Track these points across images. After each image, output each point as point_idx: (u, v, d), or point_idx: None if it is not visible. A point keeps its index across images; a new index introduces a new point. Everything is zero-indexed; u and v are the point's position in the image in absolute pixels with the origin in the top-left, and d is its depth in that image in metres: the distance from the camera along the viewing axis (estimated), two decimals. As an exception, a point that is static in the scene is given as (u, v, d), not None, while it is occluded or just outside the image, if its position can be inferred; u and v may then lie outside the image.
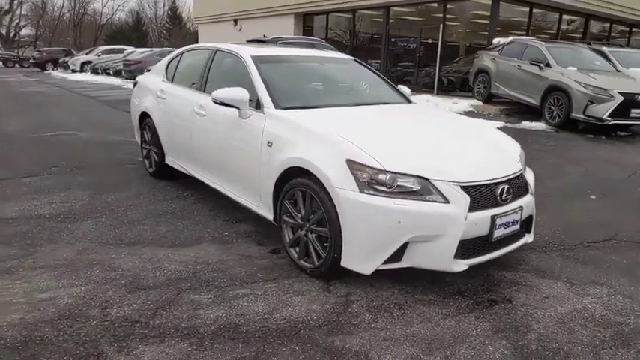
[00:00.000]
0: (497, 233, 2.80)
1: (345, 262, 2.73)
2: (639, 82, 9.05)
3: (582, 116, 8.53)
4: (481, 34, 14.60)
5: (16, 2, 50.76)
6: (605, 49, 11.05)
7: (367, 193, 2.62)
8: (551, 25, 16.31)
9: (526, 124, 9.32)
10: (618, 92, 8.28)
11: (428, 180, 2.64)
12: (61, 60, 28.83)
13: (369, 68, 4.52)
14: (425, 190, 2.63)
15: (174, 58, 4.87)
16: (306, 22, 19.48)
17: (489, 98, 11.25)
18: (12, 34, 52.98)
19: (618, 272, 3.24)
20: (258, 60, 3.72)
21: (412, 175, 2.63)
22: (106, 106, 11.57)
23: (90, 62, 24.76)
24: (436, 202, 2.62)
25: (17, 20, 53.14)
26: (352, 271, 2.78)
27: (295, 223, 3.06)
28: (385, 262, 2.66)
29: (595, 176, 5.85)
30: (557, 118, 8.98)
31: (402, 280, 2.94)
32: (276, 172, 3.11)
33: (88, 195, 4.49)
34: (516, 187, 2.96)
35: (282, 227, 3.17)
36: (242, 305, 2.63)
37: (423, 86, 14.44)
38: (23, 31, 54.98)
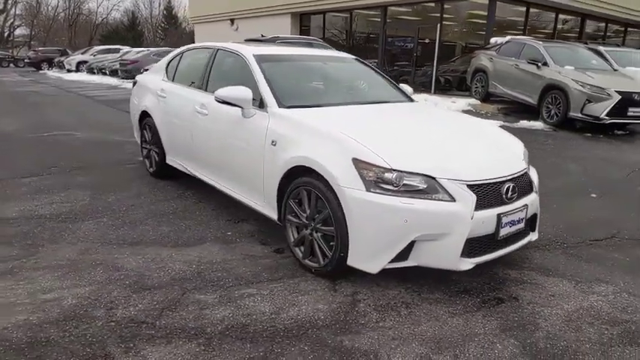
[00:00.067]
0: (503, 231, 2.80)
1: (352, 261, 2.72)
2: (636, 81, 9.10)
3: (580, 115, 8.56)
4: (478, 34, 14.62)
5: (10, 2, 50.46)
6: (601, 48, 11.10)
7: (374, 192, 2.61)
8: (547, 24, 16.36)
9: (524, 123, 9.34)
10: (616, 91, 8.31)
11: (434, 178, 2.63)
12: (56, 60, 28.67)
13: (370, 67, 4.51)
14: (431, 188, 2.62)
15: (174, 58, 4.84)
16: (303, 21, 19.46)
17: (487, 97, 11.27)
18: (6, 34, 52.65)
19: (622, 270, 3.24)
20: (260, 59, 3.70)
21: (418, 174, 2.63)
22: (103, 106, 11.51)
23: (86, 62, 24.62)
24: (442, 200, 2.62)
25: (11, 20, 52.83)
26: (357, 270, 2.77)
27: (300, 222, 3.04)
28: (392, 261, 2.65)
29: (594, 175, 5.87)
30: (555, 117, 9.00)
31: (408, 278, 2.93)
32: (281, 171, 3.09)
33: (89, 195, 4.46)
34: (521, 185, 2.96)
35: (287, 227, 3.16)
36: (248, 305, 2.61)
37: (421, 85, 14.45)
38: (17, 31, 54.69)
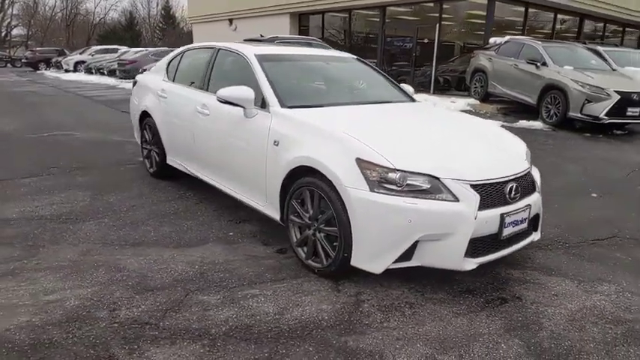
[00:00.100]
0: (507, 231, 2.80)
1: (356, 261, 2.72)
2: (635, 81, 9.12)
3: (579, 115, 8.57)
4: (476, 34, 14.64)
5: (7, 1, 50.31)
6: (600, 48, 11.13)
7: (377, 192, 2.60)
8: (546, 24, 16.39)
9: (523, 123, 9.36)
10: (615, 91, 8.33)
11: (438, 178, 2.63)
12: (54, 60, 28.59)
13: (371, 67, 4.51)
14: (435, 188, 2.62)
15: (175, 57, 4.83)
16: (301, 21, 19.44)
17: (486, 97, 11.28)
18: (3, 34, 52.48)
19: (624, 269, 3.25)
20: (262, 59, 3.69)
21: (422, 174, 2.62)
22: (101, 106, 11.48)
23: (83, 62, 24.58)
24: (446, 200, 2.61)
25: (8, 20, 52.65)
26: (360, 271, 2.76)
27: (303, 222, 3.04)
28: (396, 261, 2.65)
29: (595, 174, 5.88)
30: (555, 116, 9.02)
31: (411, 278, 2.93)
32: (283, 171, 3.08)
33: (89, 195, 4.44)
34: (524, 185, 2.96)
35: (290, 227, 3.15)
36: (252, 306, 2.60)
37: (420, 86, 14.45)
38: (15, 31, 54.49)
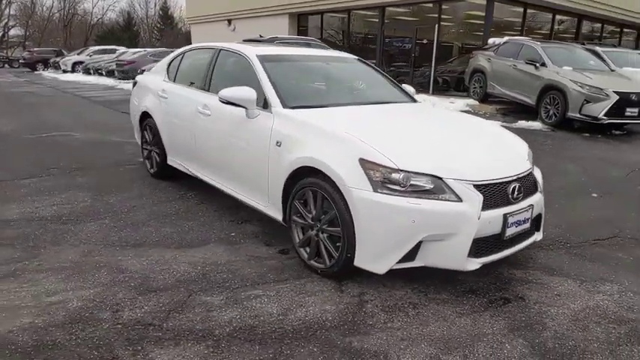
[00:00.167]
0: (509, 232, 2.80)
1: (359, 261, 2.71)
2: (634, 81, 9.14)
3: (578, 115, 8.59)
4: (475, 35, 14.66)
5: (4, 2, 50.17)
6: (598, 48, 11.16)
7: (381, 193, 2.60)
8: (544, 25, 16.42)
9: (523, 124, 9.37)
10: (613, 91, 8.35)
11: (441, 179, 2.63)
12: (51, 60, 28.54)
13: (372, 67, 4.51)
14: (438, 188, 2.62)
15: (175, 58, 4.82)
16: (300, 22, 19.45)
17: (485, 98, 11.30)
18: (0, 35, 52.34)
19: (626, 269, 3.25)
20: (264, 59, 3.69)
21: (425, 174, 2.62)
22: (100, 107, 11.45)
23: (81, 62, 24.53)
24: (449, 200, 2.61)
25: (6, 20, 52.49)
26: (363, 271, 2.76)
27: (306, 223, 3.03)
28: (399, 262, 2.65)
29: (594, 174, 5.89)
30: (554, 117, 9.03)
31: (414, 279, 2.93)
32: (286, 171, 3.08)
33: (90, 196, 4.43)
34: (527, 185, 2.97)
35: (292, 227, 3.15)
36: (255, 307, 2.60)
37: (419, 86, 14.46)
38: (12, 32, 54.33)
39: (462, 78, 12.84)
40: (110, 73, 20.29)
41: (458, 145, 3.06)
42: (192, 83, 4.37)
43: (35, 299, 2.61)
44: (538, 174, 3.27)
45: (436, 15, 14.40)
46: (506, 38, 11.28)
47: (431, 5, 14.69)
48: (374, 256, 2.68)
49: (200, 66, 4.31)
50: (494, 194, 2.73)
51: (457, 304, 2.70)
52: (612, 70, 9.86)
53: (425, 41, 14.91)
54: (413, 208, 2.56)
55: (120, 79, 18.67)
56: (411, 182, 2.60)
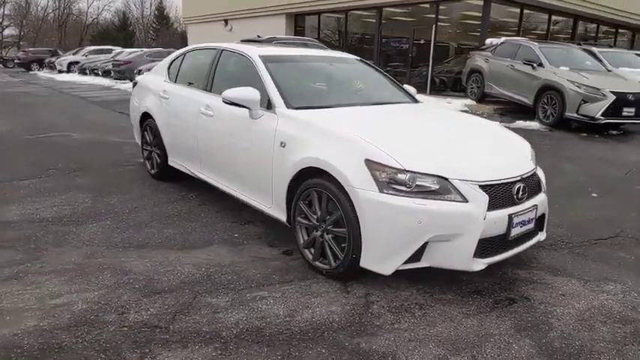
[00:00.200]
0: (514, 232, 2.81)
1: (365, 262, 2.71)
2: (630, 81, 9.19)
3: (576, 115, 8.63)
4: (472, 35, 14.70)
5: (-2, 2, 49.82)
6: (594, 49, 11.22)
7: (387, 193, 2.60)
8: (540, 25, 16.49)
9: (520, 123, 9.40)
10: (610, 92, 8.40)
11: (447, 179, 2.63)
12: (47, 60, 28.34)
13: (374, 68, 4.51)
14: (444, 189, 2.62)
15: (176, 58, 4.80)
16: (297, 22, 19.43)
17: (483, 98, 11.33)
18: (-5, 35, 52.00)
19: (629, 269, 3.27)
20: (266, 60, 3.68)
21: (431, 175, 2.62)
22: (97, 107, 11.40)
23: (77, 62, 24.37)
24: (455, 201, 2.61)
25: (0, 20, 52.15)
26: (368, 272, 2.76)
27: (310, 224, 3.02)
28: (405, 262, 2.64)
29: (593, 174, 5.92)
30: (551, 117, 9.07)
31: (419, 279, 2.93)
32: (290, 172, 3.07)
33: (90, 197, 4.41)
34: (531, 185, 2.97)
35: (297, 228, 3.14)
36: (262, 308, 2.59)
37: (416, 86, 14.46)
38: (6, 31, 53.89)
39: (459, 78, 12.87)
40: (106, 74, 20.18)
41: (462, 145, 3.06)
42: (193, 84, 4.36)
43: (39, 302, 2.59)
44: (541, 174, 3.28)
45: (433, 15, 14.43)
46: (503, 39, 11.32)
47: (428, 6, 14.72)
48: (380, 256, 2.68)
49: (202, 66, 4.29)
50: (499, 195, 2.74)
51: (463, 305, 2.70)
52: (609, 71, 9.91)
53: (422, 41, 14.94)
54: (419, 209, 2.56)
55: (116, 79, 18.58)
56: (417, 183, 2.60)
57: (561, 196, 4.80)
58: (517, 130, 8.70)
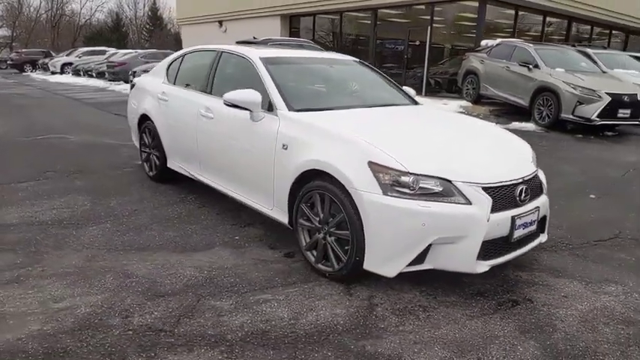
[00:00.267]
0: (517, 234, 2.82)
1: (369, 265, 2.71)
2: (625, 83, 9.27)
3: (571, 116, 8.69)
4: (467, 36, 14.76)
5: (-10, 3, 49.44)
6: (589, 50, 11.30)
7: (391, 196, 2.60)
8: (534, 27, 16.58)
9: (516, 125, 9.44)
10: (606, 93, 8.47)
11: (450, 181, 2.64)
12: (40, 61, 28.16)
13: (373, 69, 4.52)
14: (447, 191, 2.63)
15: (175, 60, 4.79)
16: (292, 23, 19.43)
17: (478, 99, 11.38)
18: (-14, 36, 51.56)
19: (629, 270, 3.29)
20: (267, 62, 3.68)
21: (435, 177, 2.63)
22: (92, 109, 11.34)
23: (71, 64, 24.22)
24: (459, 203, 2.62)
25: (-8, 21, 51.72)
26: (370, 274, 2.76)
27: (312, 226, 3.02)
28: (409, 265, 2.65)
29: (591, 175, 5.96)
30: (547, 118, 9.12)
31: (422, 282, 2.93)
32: (292, 175, 3.07)
33: (89, 200, 4.38)
34: (533, 187, 2.99)
35: (299, 231, 3.13)
36: (266, 311, 2.58)
37: (411, 87, 14.52)
38: (-2, 32, 53.51)
39: (454, 79, 12.92)
40: (100, 75, 20.06)
41: (465, 147, 3.08)
42: (193, 86, 4.34)
43: (42, 305, 2.57)
44: (542, 176, 3.29)
45: (428, 17, 14.47)
46: (498, 40, 11.38)
47: (423, 7, 14.76)
48: (384, 259, 2.68)
49: (201, 68, 4.28)
50: (502, 196, 2.75)
51: (466, 307, 2.71)
52: (604, 72, 9.99)
53: (417, 43, 14.98)
54: (423, 211, 2.56)
55: (110, 80, 18.48)
56: (421, 185, 2.61)
57: (560, 197, 4.83)
58: (513, 132, 8.71)
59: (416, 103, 4.19)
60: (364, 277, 2.87)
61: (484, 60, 11.09)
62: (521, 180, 2.88)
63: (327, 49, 13.47)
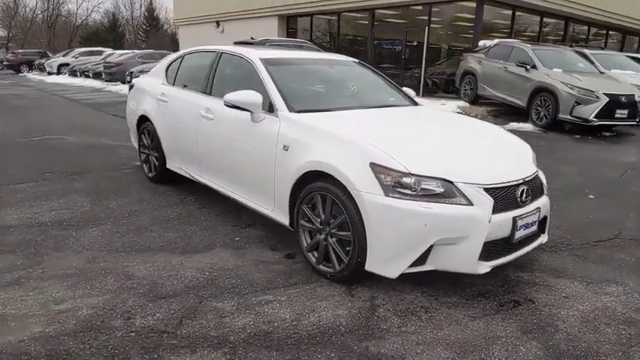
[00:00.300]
0: (518, 234, 2.82)
1: (370, 266, 2.71)
2: (623, 83, 9.31)
3: (569, 117, 8.72)
4: (464, 37, 14.80)
5: (-14, 3, 49.25)
6: (587, 51, 11.35)
7: (392, 197, 2.60)
8: (530, 27, 16.63)
9: (514, 125, 9.47)
10: (603, 93, 8.50)
11: (452, 182, 2.64)
12: (36, 62, 28.04)
13: (373, 71, 4.52)
14: (449, 192, 2.63)
15: (174, 61, 4.78)
16: (290, 24, 19.43)
17: (476, 100, 11.41)
18: (-18, 36, 51.35)
19: (629, 270, 3.30)
20: (267, 63, 3.67)
21: (436, 178, 2.63)
22: (89, 109, 11.31)
23: (67, 64, 24.13)
24: (460, 204, 2.63)
25: (-12, 21, 51.55)
26: (372, 275, 2.76)
27: (314, 227, 3.02)
28: (410, 266, 2.65)
29: (589, 175, 5.98)
30: (545, 119, 9.15)
31: (423, 282, 2.93)
32: (293, 176, 3.07)
33: (88, 201, 4.37)
34: (534, 188, 3.00)
35: (300, 232, 3.13)
36: (268, 312, 2.58)
37: (408, 88, 14.53)
38: (-6, 33, 53.33)
39: (452, 80, 12.94)
40: (97, 75, 19.98)
41: (466, 148, 3.08)
42: (192, 87, 4.33)
43: (43, 307, 2.56)
44: (542, 176, 3.30)
45: (426, 17, 14.50)
46: (496, 41, 11.40)
47: (420, 8, 14.79)
48: (385, 260, 2.68)
49: (201, 69, 4.27)
50: (503, 197, 2.75)
51: (468, 308, 2.71)
52: (601, 73, 10.03)
53: (415, 43, 15.01)
54: (425, 212, 2.57)
55: (107, 81, 18.41)
56: (422, 186, 2.61)
57: (559, 198, 4.84)
58: (511, 132, 8.83)
59: (416, 104, 4.20)
60: (365, 278, 2.87)
61: (482, 60, 11.12)
62: (522, 181, 2.89)
63: (324, 49, 13.49)
